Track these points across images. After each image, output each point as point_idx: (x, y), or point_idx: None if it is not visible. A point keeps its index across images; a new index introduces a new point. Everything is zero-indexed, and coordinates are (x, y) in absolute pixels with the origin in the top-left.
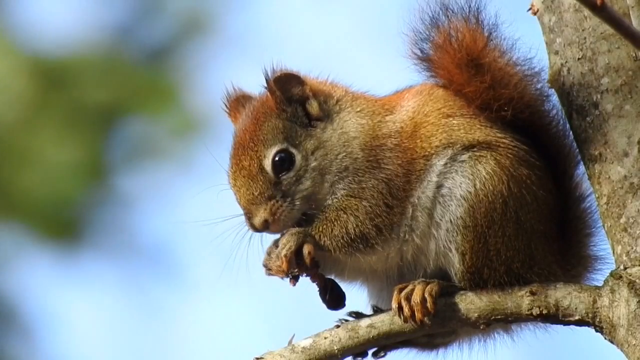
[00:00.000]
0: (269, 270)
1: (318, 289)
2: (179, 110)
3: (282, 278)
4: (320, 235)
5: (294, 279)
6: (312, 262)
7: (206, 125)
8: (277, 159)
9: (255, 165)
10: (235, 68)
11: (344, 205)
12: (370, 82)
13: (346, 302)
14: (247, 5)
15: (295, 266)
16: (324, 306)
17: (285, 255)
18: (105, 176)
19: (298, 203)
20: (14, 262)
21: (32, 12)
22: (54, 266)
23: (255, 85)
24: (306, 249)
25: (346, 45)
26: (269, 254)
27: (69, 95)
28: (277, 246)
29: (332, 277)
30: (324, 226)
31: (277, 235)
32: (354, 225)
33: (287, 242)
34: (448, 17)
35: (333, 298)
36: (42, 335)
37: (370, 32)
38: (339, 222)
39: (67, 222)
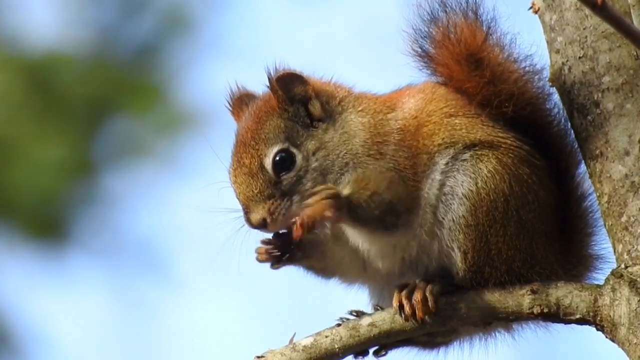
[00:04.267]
0: (260, 254)
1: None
2: (163, 108)
3: (269, 261)
4: (358, 201)
5: (278, 263)
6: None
7: (190, 122)
8: (277, 158)
9: (256, 163)
10: (219, 67)
11: (362, 180)
12: (354, 83)
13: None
14: (231, 5)
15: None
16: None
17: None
18: (90, 174)
19: (297, 203)
20: None
21: (17, 11)
22: (39, 264)
23: (242, 83)
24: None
25: (329, 46)
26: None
27: (54, 93)
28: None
29: (334, 279)
30: (360, 191)
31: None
32: (385, 189)
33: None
34: (446, 12)
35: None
36: (27, 335)
37: (356, 34)
38: (371, 185)
39: (52, 220)
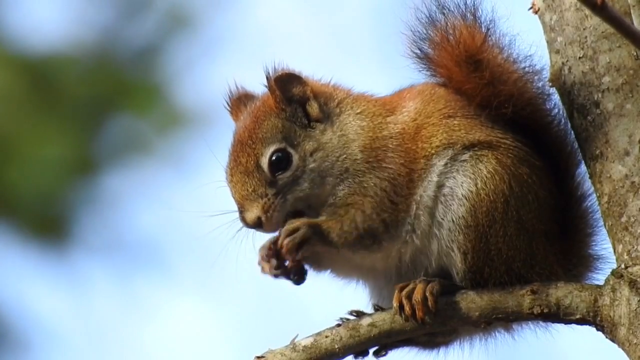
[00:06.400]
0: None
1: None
2: (164, 107)
3: (275, 276)
4: (329, 232)
5: (296, 277)
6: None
7: (191, 122)
8: (274, 157)
9: (252, 162)
10: (220, 66)
11: (349, 202)
12: (354, 84)
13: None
14: (233, 4)
15: (293, 258)
16: (289, 283)
17: (288, 244)
18: (91, 173)
19: (291, 203)
20: None
21: (19, 10)
22: (39, 262)
23: (241, 84)
24: (308, 248)
25: (333, 45)
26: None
27: (56, 92)
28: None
29: (327, 273)
30: (333, 222)
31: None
32: (362, 220)
33: (295, 230)
34: (445, 14)
35: (298, 274)
36: (29, 331)
37: (357, 33)
38: (347, 216)
39: (53, 218)
